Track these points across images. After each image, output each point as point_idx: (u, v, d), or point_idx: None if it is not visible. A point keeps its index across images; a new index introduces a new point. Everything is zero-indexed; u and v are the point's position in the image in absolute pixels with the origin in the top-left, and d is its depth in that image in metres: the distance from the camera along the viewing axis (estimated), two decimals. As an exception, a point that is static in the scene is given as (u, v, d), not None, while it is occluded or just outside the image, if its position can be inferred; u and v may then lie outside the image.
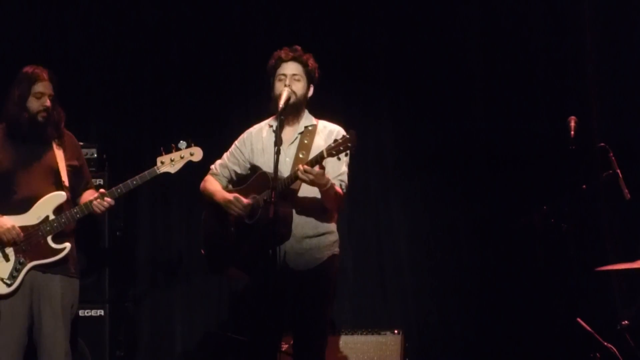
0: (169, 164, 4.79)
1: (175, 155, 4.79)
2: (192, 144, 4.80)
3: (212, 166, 4.91)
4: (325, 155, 4.34)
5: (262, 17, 6.51)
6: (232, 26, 6.51)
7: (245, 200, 4.60)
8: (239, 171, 4.85)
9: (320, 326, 4.63)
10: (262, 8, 6.52)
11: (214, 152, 4.95)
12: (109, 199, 4.74)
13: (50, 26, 6.52)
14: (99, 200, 4.73)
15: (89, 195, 4.88)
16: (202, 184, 4.86)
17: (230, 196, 4.66)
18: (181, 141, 4.79)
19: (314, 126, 4.73)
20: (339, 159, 4.37)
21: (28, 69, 4.81)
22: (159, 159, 4.79)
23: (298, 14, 6.45)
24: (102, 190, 4.80)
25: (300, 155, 4.57)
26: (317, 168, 4.37)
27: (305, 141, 4.66)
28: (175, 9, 6.55)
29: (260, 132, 4.80)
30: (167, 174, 4.81)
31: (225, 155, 4.89)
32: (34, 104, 4.76)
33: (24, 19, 6.44)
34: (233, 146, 4.88)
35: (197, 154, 4.81)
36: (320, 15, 6.46)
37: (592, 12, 6.09)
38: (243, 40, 6.47)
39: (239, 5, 6.52)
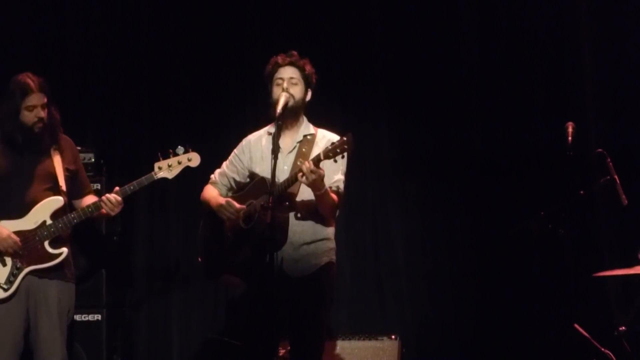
0: (167, 169, 4.77)
1: (172, 160, 4.77)
2: (190, 150, 4.77)
3: (212, 175, 4.89)
4: (322, 157, 4.33)
5: (259, 22, 6.51)
6: (229, 31, 6.50)
7: (237, 205, 4.59)
8: (238, 179, 4.82)
9: (316, 332, 4.61)
10: (259, 13, 6.52)
11: (211, 157, 4.93)
12: (117, 196, 4.69)
13: (48, 30, 6.52)
14: (107, 196, 4.69)
15: (89, 201, 4.87)
16: (202, 194, 4.85)
17: (222, 200, 4.65)
18: (179, 146, 4.76)
19: (313, 135, 4.71)
20: (335, 161, 4.35)
21: (19, 78, 4.72)
22: (156, 165, 4.76)
23: (295, 19, 6.45)
24: (116, 188, 4.75)
25: (299, 164, 4.53)
26: None
27: (304, 150, 4.64)
28: (172, 14, 6.55)
29: (260, 140, 4.78)
30: (164, 179, 4.80)
31: (225, 164, 4.87)
32: (27, 118, 4.70)
33: (21, 23, 6.43)
34: (232, 154, 4.86)
35: (194, 159, 4.78)
36: (317, 20, 6.46)
37: (589, 18, 6.11)
38: (240, 45, 6.47)
39: (236, 10, 6.52)
